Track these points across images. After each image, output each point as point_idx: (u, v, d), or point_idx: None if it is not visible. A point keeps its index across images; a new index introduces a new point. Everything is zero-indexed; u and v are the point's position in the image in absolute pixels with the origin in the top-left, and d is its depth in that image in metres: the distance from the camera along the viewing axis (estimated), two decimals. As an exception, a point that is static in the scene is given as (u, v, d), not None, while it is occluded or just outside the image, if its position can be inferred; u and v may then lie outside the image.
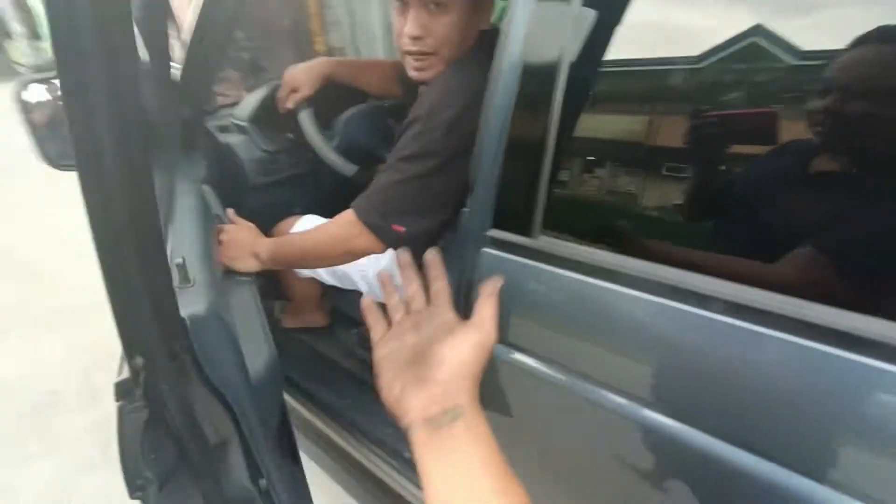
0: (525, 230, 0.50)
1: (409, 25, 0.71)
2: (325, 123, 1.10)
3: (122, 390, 0.43)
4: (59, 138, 0.97)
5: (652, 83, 0.44)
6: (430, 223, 0.71)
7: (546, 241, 0.49)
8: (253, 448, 0.55)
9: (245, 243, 0.80)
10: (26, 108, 0.90)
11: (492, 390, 0.57)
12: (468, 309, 0.58)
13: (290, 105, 1.06)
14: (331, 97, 1.10)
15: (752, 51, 0.36)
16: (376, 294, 0.99)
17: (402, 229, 0.71)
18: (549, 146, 0.47)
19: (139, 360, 0.42)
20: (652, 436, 0.44)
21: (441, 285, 0.48)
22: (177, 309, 0.45)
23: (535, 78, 0.47)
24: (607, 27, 0.43)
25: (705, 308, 0.39)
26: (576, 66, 0.44)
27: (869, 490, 0.33)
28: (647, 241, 0.45)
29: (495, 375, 0.56)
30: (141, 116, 0.36)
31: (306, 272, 1.06)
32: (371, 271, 0.97)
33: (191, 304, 0.50)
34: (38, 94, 0.97)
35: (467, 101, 0.65)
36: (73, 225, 3.36)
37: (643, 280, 0.42)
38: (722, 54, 0.38)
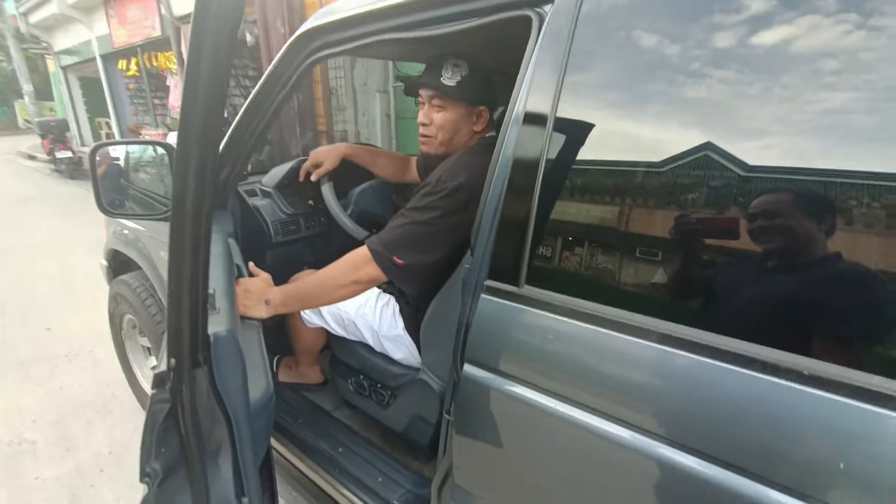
0: (513, 281, 0.66)
1: (421, 116, 1.05)
2: (339, 195, 1.29)
3: (157, 380, 0.50)
4: (112, 191, 1.13)
5: (597, 180, 0.63)
6: (422, 259, 0.90)
7: (529, 290, 0.65)
8: (241, 464, 0.61)
9: (257, 292, 0.92)
10: (94, 166, 1.06)
11: (488, 413, 0.69)
12: (465, 346, 0.71)
13: (314, 178, 1.27)
14: (345, 172, 1.31)
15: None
16: (381, 345, 1.11)
17: (400, 261, 0.89)
18: (532, 220, 0.64)
19: (173, 361, 0.50)
20: (609, 445, 0.57)
21: None
22: (206, 326, 0.54)
23: (522, 172, 0.66)
24: (570, 142, 0.63)
25: (639, 337, 0.55)
26: (550, 165, 0.63)
27: None
28: (602, 289, 0.61)
29: (490, 401, 0.68)
30: (214, 180, 0.48)
31: (315, 320, 1.17)
32: (375, 323, 1.09)
33: (215, 325, 0.59)
34: (103, 155, 1.14)
35: (465, 179, 0.89)
36: (60, 274, 3.39)
37: (601, 318, 0.58)
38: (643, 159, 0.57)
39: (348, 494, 1.08)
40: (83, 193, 6.52)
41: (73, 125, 10.24)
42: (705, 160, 0.53)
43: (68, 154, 8.02)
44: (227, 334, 0.57)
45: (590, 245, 0.62)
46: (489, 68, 1.03)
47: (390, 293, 1.13)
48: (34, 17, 9.30)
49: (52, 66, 11.20)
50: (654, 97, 0.57)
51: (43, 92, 13.04)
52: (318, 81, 4.64)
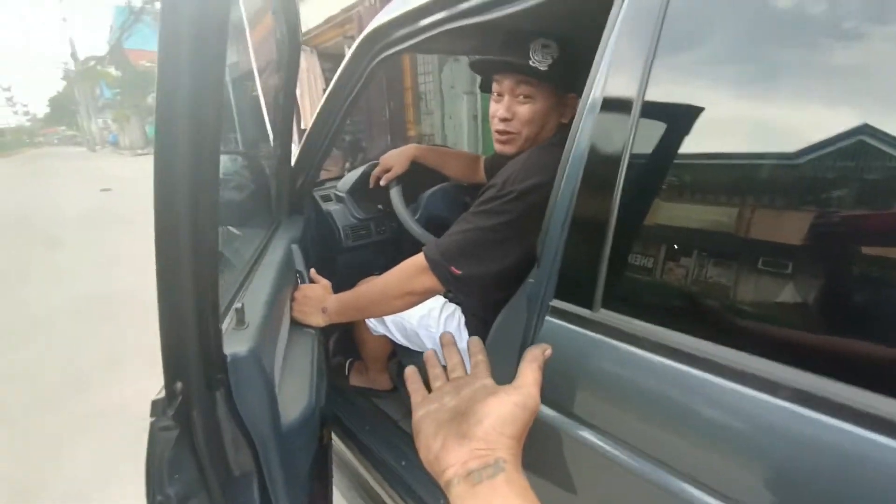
0: (586, 303, 0.53)
1: (501, 110, 0.89)
2: (410, 198, 1.25)
3: (156, 408, 0.46)
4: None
5: (698, 177, 0.48)
6: (484, 270, 0.79)
7: (605, 315, 0.52)
8: (270, 490, 0.57)
9: (316, 300, 0.90)
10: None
11: (554, 458, 0.58)
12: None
13: (382, 183, 1.24)
14: (418, 175, 1.27)
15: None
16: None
17: (458, 272, 0.78)
18: (611, 228, 0.51)
19: (178, 385, 0.46)
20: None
21: (481, 358, 0.50)
22: (220, 345, 0.49)
23: (599, 169, 0.53)
24: (663, 132, 0.49)
25: (759, 390, 0.39)
26: (635, 160, 0.50)
27: None
28: (707, 320, 0.46)
29: (556, 445, 0.57)
30: (214, 190, 0.42)
31: (379, 329, 1.14)
32: (437, 333, 1.02)
33: (237, 343, 0.54)
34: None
35: (538, 180, 0.75)
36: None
37: (697, 358, 0.43)
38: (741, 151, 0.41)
39: (409, 509, 1.02)
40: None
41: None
42: (860, 147, 0.36)
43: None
44: (247, 354, 0.52)
45: (690, 261, 0.47)
46: (580, 47, 0.84)
47: (456, 303, 1.05)
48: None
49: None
50: (782, 70, 0.41)
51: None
52: (408, 88, 4.78)
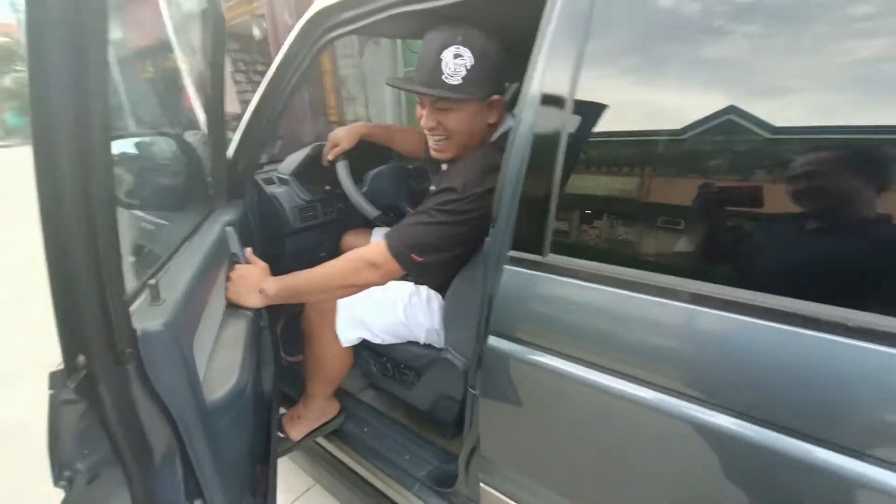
0: (538, 250, 0.65)
1: (425, 119, 0.93)
2: (356, 177, 1.30)
3: (55, 380, 0.44)
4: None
5: (619, 151, 0.62)
6: (441, 258, 0.89)
7: (553, 258, 0.64)
8: (196, 467, 0.57)
9: (252, 281, 0.89)
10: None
11: (515, 383, 0.69)
12: (490, 317, 0.71)
13: (330, 157, 1.26)
14: (364, 156, 1.31)
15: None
16: (431, 337, 1.07)
17: (419, 259, 0.87)
18: (555, 192, 0.63)
19: (81, 358, 0.44)
20: (639, 408, 0.57)
21: None
22: (128, 319, 0.48)
23: (543, 147, 0.64)
24: (593, 114, 0.61)
25: (667, 298, 0.54)
26: (572, 138, 0.62)
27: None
28: (628, 253, 0.60)
29: (516, 371, 0.68)
30: (109, 171, 0.42)
31: (356, 335, 1.07)
32: (427, 320, 1.05)
33: (150, 319, 0.53)
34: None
35: (494, 185, 0.77)
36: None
37: (624, 281, 0.57)
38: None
39: (376, 472, 1.10)
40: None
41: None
42: (729, 124, 0.51)
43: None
44: (160, 329, 0.52)
45: (614, 213, 0.61)
46: (496, 49, 0.88)
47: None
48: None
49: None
50: (678, 62, 0.55)
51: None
52: (327, 72, 4.63)
